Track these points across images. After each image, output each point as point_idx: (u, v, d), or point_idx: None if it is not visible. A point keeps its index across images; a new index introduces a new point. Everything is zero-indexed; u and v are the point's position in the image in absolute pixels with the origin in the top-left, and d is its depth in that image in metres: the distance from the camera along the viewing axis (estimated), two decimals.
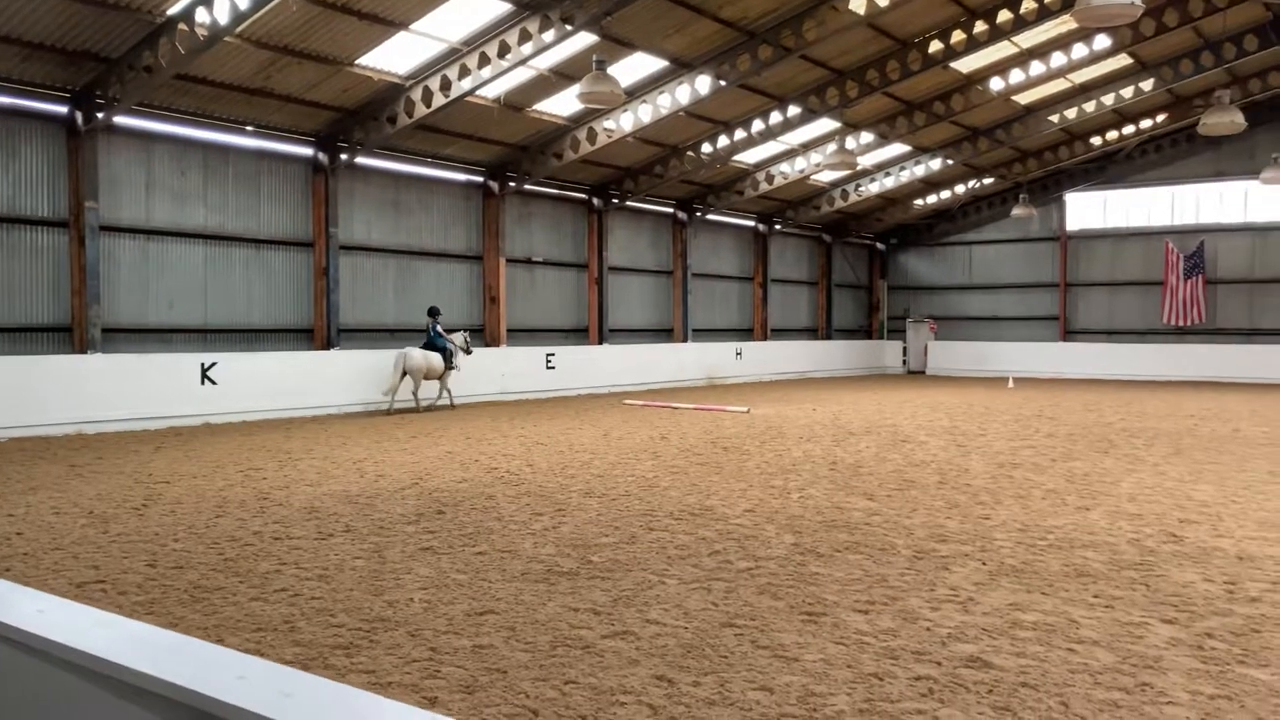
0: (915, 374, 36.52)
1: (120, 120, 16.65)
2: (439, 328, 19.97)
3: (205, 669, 1.91)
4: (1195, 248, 31.52)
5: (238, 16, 14.18)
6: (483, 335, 23.09)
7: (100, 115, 15.86)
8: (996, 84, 23.69)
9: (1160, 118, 28.44)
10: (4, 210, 15.65)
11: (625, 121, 21.22)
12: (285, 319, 19.43)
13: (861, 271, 38.23)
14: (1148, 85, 24.67)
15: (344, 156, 19.56)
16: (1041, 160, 30.93)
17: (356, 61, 17.11)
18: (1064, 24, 21.22)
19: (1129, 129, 29.07)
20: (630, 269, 27.76)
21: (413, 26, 16.48)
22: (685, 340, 28.87)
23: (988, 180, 32.42)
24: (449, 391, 19.93)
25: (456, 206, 22.81)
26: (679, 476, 10.98)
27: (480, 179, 23.03)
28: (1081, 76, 24.71)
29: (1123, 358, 32.25)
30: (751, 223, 32.24)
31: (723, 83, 19.77)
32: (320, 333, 19.71)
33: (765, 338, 32.51)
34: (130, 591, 6.19)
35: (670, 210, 28.87)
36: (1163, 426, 16.62)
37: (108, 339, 16.75)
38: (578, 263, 25.98)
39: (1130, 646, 5.17)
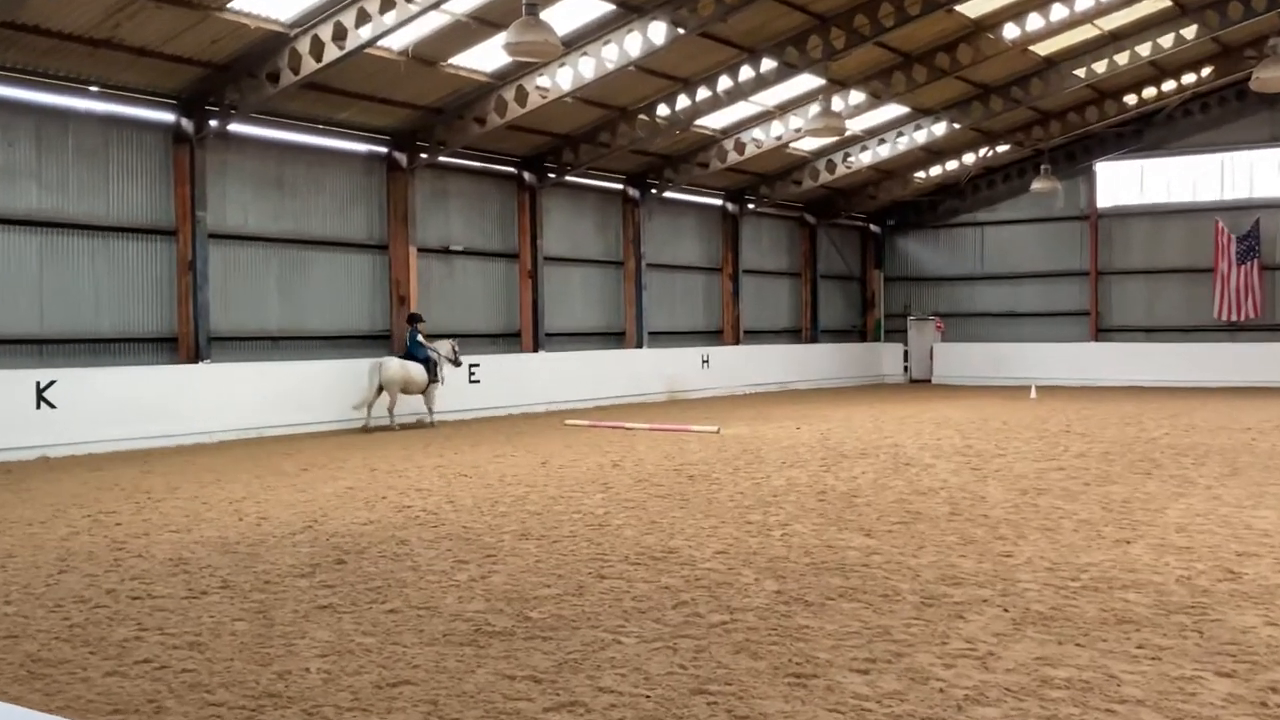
0: (919, 383, 36.95)
1: None
2: (420, 336, 21.06)
3: None
4: (1250, 227, 32.31)
5: None
6: (389, 342, 22.96)
7: None
8: (1011, 31, 24.07)
9: (1205, 71, 29.12)
10: None
11: (563, 78, 21.26)
12: (142, 325, 19.17)
13: (853, 259, 38.65)
14: (1190, 32, 25.17)
15: (214, 123, 19.34)
16: (1066, 123, 31.51)
17: (228, 6, 16.94)
18: None
19: (1169, 85, 29.72)
20: (572, 259, 27.76)
21: None
22: (640, 346, 28.95)
23: (1002, 148, 32.97)
24: (431, 408, 21.25)
25: (356, 184, 22.67)
26: (635, 512, 11.00)
27: (384, 150, 22.92)
28: (1112, 22, 25.16)
29: (1165, 360, 32.91)
30: (719, 201, 32.44)
31: (681, 30, 19.89)
32: (186, 342, 19.45)
33: (738, 341, 32.72)
34: None
35: (620, 187, 28.95)
36: (1215, 442, 16.98)
37: None
38: (506, 252, 25.93)
39: (1181, 705, 5.28)
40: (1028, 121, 31.59)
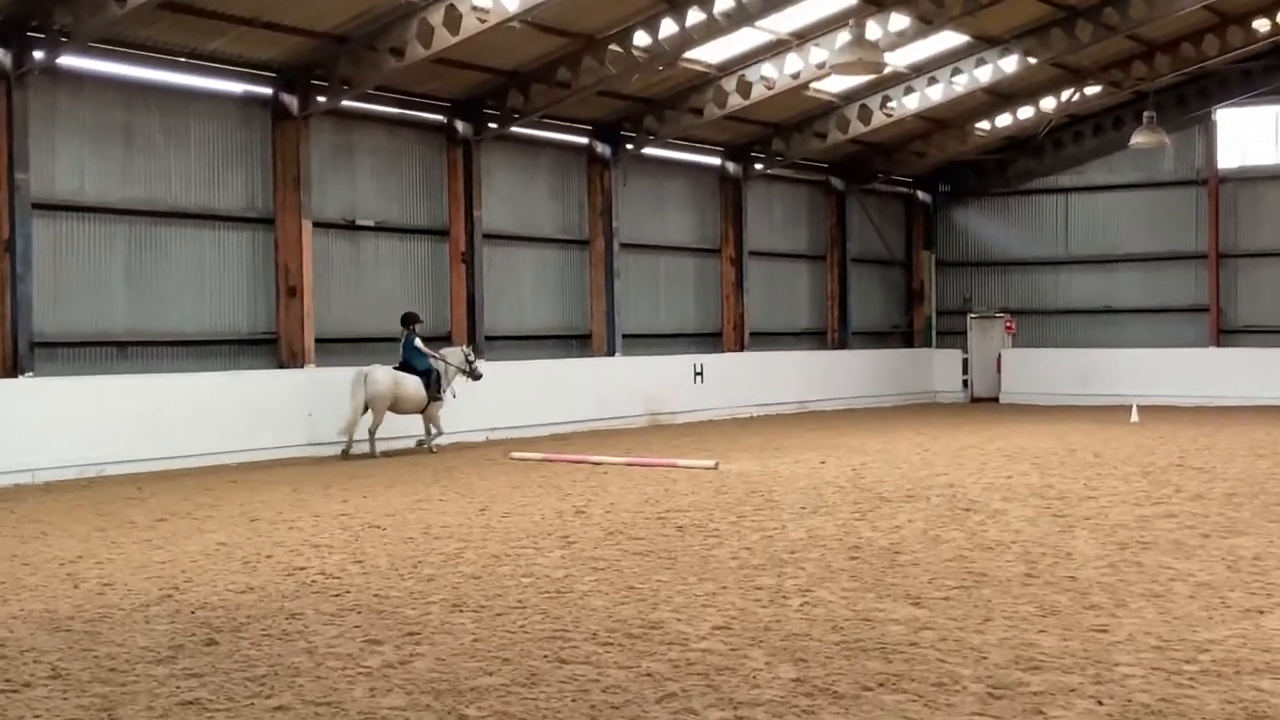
0: (982, 401, 37.05)
1: None
2: (418, 341, 22.17)
3: None
4: None
5: None
6: (274, 347, 22.85)
7: None
8: None
9: None
10: None
11: None
12: None
13: (894, 238, 38.73)
14: None
15: (39, 54, 19.22)
16: (1177, 57, 31.56)
17: None
18: None
19: None
20: (520, 236, 27.70)
21: None
22: (611, 352, 28.90)
23: (1092, 90, 33.08)
24: (436, 429, 22.45)
25: (231, 137, 22.56)
26: (606, 575, 10.96)
27: (269, 91, 22.81)
28: None
29: None
30: (717, 160, 32.46)
31: None
32: (1, 349, 19.31)
33: (741, 347, 32.74)
34: None
35: (585, 140, 28.92)
36: None
37: None
38: (433, 228, 25.87)
39: None
40: (1127, 55, 31.64)
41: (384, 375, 21.60)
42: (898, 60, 28.02)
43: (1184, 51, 31.29)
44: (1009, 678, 7.58)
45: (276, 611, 9.69)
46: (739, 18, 23.64)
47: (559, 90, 25.18)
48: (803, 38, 26.50)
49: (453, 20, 21.52)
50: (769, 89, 27.68)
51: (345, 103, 23.36)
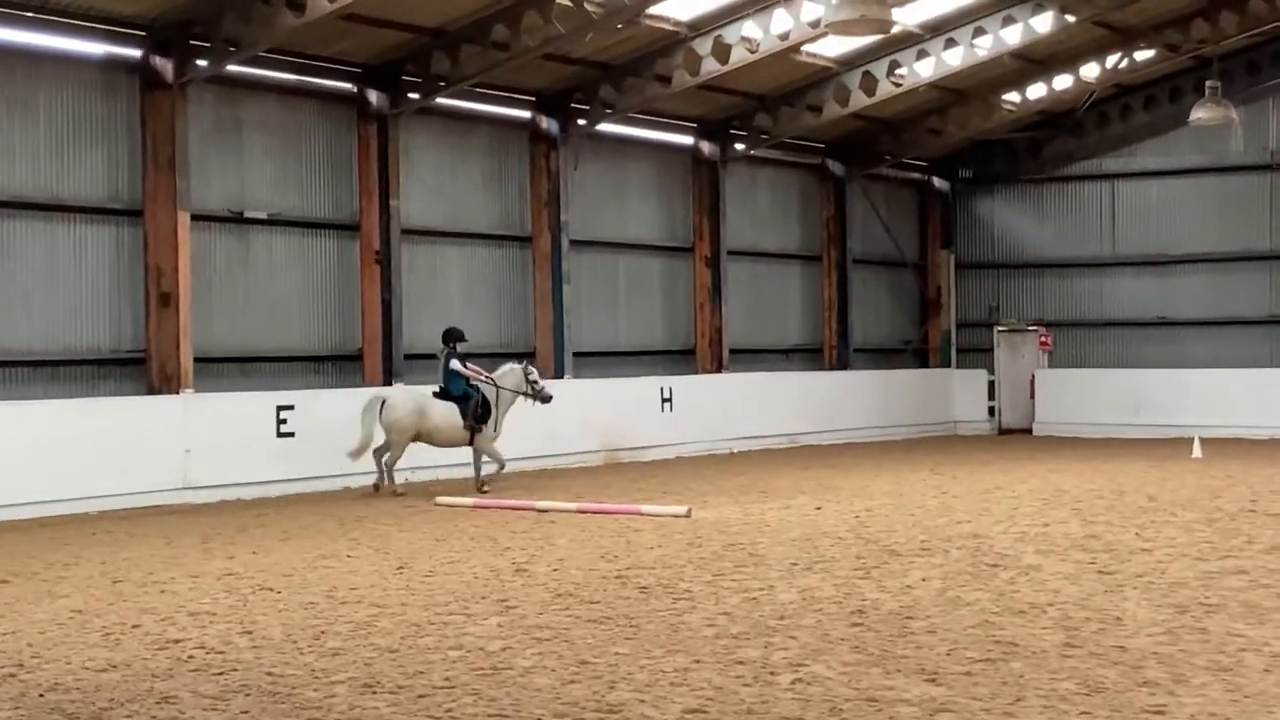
0: (1013, 433, 37.19)
1: None
2: (456, 362, 22.82)
3: None
4: None
5: None
6: (144, 368, 22.72)
7: None
8: None
9: None
10: None
11: None
12: None
13: (905, 233, 38.85)
14: None
15: None
16: (1246, 15, 31.77)
17: None
18: None
19: None
20: (448, 232, 27.76)
21: None
22: (560, 374, 28.87)
23: (1143, 55, 33.30)
24: (489, 461, 23.35)
25: (90, 109, 22.52)
26: (553, 646, 10.96)
27: (138, 53, 22.76)
28: None
29: None
30: (689, 139, 32.59)
31: None
32: None
33: (719, 367, 32.77)
34: None
35: (527, 114, 28.97)
36: None
37: None
38: (339, 221, 25.88)
39: None
40: (1186, 11, 31.84)
41: (403, 402, 22.60)
42: (908, 18, 28.16)
43: (1254, 7, 31.31)
44: None
45: (145, 694, 9.63)
46: None
47: (495, 53, 25.14)
48: None
49: None
50: (751, 52, 27.72)
51: (232, 68, 23.33)
